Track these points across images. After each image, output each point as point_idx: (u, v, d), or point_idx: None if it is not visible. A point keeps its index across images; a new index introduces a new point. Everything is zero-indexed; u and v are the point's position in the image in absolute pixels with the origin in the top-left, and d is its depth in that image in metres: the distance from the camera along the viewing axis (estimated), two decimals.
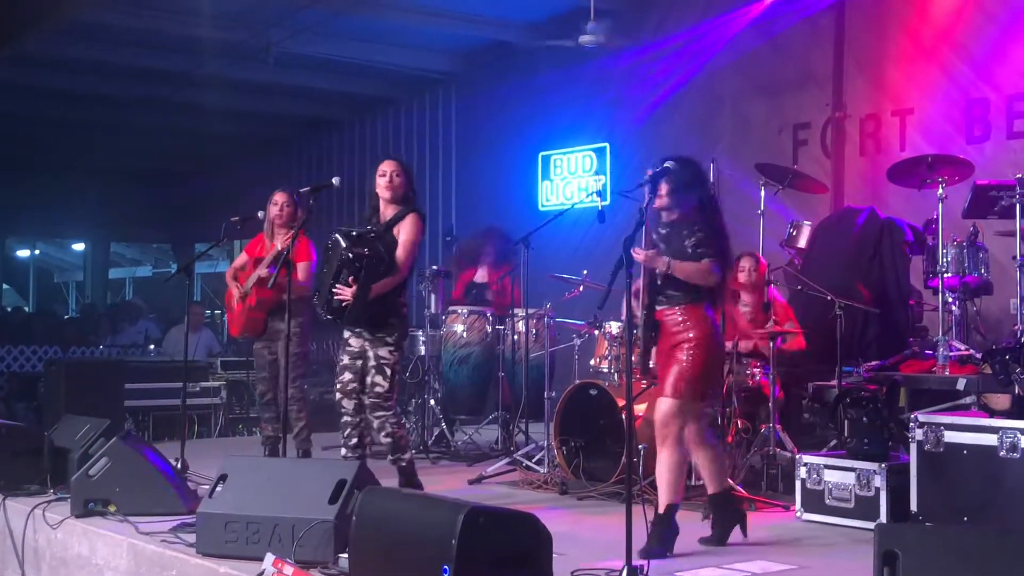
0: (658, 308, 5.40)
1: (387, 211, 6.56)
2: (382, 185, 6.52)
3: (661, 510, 5.37)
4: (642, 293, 5.39)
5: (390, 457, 6.45)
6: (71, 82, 13.79)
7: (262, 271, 7.61)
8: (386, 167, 6.56)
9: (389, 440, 6.41)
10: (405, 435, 6.55)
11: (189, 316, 8.99)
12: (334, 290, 6.27)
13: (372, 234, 6.42)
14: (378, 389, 6.36)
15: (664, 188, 5.40)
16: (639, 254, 5.25)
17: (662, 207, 5.45)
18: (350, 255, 6.23)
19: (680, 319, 5.37)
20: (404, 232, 6.42)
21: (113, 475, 5.96)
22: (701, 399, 5.47)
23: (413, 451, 6.64)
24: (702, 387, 5.42)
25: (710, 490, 5.59)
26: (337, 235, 6.37)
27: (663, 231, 5.48)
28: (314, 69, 13.20)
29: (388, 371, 6.36)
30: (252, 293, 7.69)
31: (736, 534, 5.58)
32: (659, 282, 5.36)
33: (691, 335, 5.34)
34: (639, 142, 11.26)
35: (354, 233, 6.40)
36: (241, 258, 8.03)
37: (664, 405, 5.38)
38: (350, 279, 6.22)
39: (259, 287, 7.64)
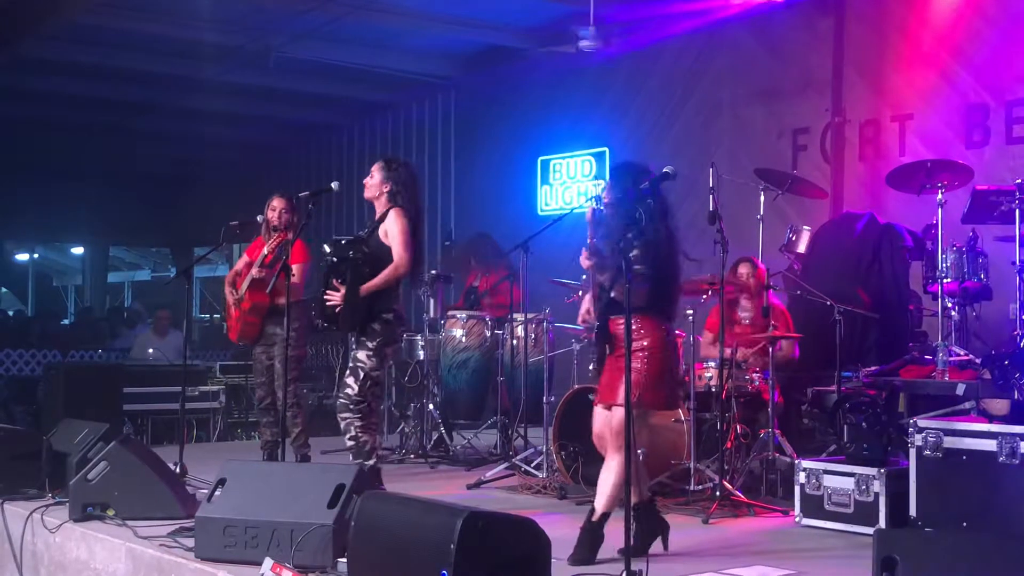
0: (611, 317, 5.32)
1: (377, 213, 6.57)
2: (365, 187, 6.56)
3: (595, 517, 5.29)
4: (591, 302, 5.34)
5: (353, 462, 6.28)
6: (70, 86, 13.78)
7: (255, 272, 7.61)
8: (371, 170, 6.59)
9: (352, 444, 6.31)
10: (371, 441, 6.37)
11: (188, 320, 8.96)
12: (325, 296, 6.28)
13: (359, 238, 6.42)
14: (347, 391, 6.29)
15: (606, 195, 5.42)
16: (586, 260, 5.31)
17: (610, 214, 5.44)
18: (334, 259, 6.27)
19: (633, 327, 5.17)
20: (392, 232, 6.36)
21: (112, 479, 5.96)
22: (655, 405, 5.42)
23: (377, 460, 6.46)
24: (656, 395, 5.34)
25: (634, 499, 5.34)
26: (324, 244, 6.41)
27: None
28: (313, 74, 13.19)
29: (361, 375, 6.28)
30: (246, 298, 7.69)
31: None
32: (611, 292, 5.28)
33: (644, 343, 5.26)
34: (638, 147, 11.26)
35: (342, 241, 6.42)
36: (240, 262, 8.03)
37: (618, 414, 5.20)
38: (335, 282, 6.23)
39: (253, 291, 7.64)
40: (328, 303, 6.27)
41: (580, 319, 5.63)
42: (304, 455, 7.76)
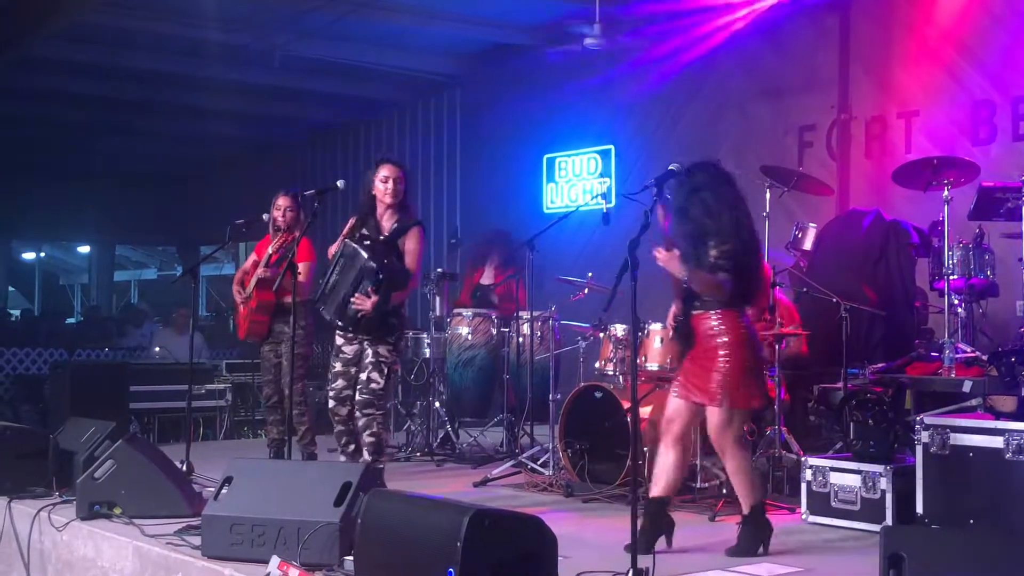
0: (693, 313, 5.41)
1: (384, 216, 6.53)
2: (384, 191, 6.48)
3: (746, 511, 5.44)
4: (678, 302, 5.42)
5: (368, 458, 6.33)
6: (76, 85, 13.80)
7: (261, 272, 7.63)
8: (389, 172, 6.51)
9: (372, 440, 6.34)
10: (388, 439, 6.48)
11: (194, 318, 8.97)
12: (353, 300, 6.24)
13: (381, 243, 6.40)
14: (373, 386, 6.32)
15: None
16: (660, 254, 5.27)
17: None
18: (373, 265, 6.21)
19: (714, 323, 5.36)
20: (410, 244, 6.41)
21: (118, 477, 5.97)
22: (747, 404, 5.45)
23: (389, 458, 6.58)
24: (745, 392, 5.39)
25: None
26: (354, 245, 6.34)
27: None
28: (319, 72, 13.20)
29: (385, 369, 6.33)
30: (253, 296, 7.71)
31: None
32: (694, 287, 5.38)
33: (726, 339, 5.34)
34: (644, 144, 11.26)
35: (368, 243, 6.37)
36: (249, 260, 8.05)
37: (714, 417, 5.37)
38: (369, 289, 6.20)
39: (260, 290, 7.66)
40: (355, 306, 6.25)
41: (669, 321, 5.66)
42: (310, 453, 7.76)
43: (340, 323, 6.40)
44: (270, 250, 7.65)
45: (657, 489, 5.45)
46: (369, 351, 6.36)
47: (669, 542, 5.43)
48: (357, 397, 6.37)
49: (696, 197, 5.36)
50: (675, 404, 5.48)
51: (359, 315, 6.25)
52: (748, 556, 5.32)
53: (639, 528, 5.15)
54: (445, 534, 3.93)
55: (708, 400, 5.35)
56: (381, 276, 6.19)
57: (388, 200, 6.48)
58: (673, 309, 5.59)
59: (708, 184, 5.43)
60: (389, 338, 6.35)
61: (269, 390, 7.91)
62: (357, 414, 6.37)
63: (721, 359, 5.31)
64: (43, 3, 10.90)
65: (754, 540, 5.40)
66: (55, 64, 12.78)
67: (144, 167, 18.74)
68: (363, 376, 6.36)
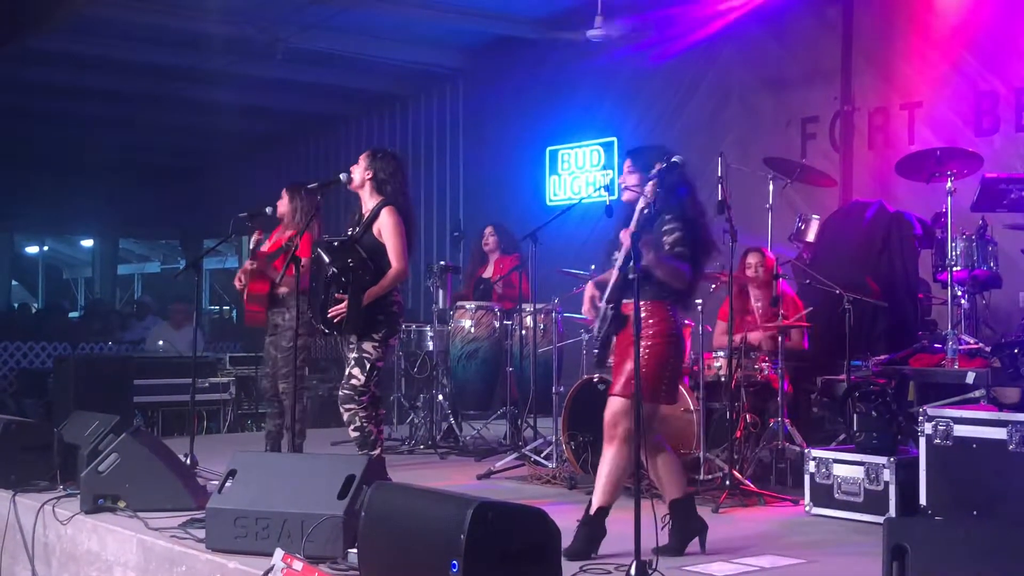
0: (624, 301, 5.14)
1: (364, 206, 6.58)
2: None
3: (592, 511, 5.15)
4: (611, 285, 5.17)
5: (358, 452, 6.33)
6: (78, 78, 13.80)
7: (248, 264, 7.64)
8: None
9: (357, 434, 6.38)
10: (375, 431, 6.45)
11: (198, 313, 8.98)
12: (329, 310, 6.28)
13: (352, 240, 6.42)
14: (353, 381, 6.36)
15: (636, 177, 5.25)
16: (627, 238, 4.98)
17: (631, 198, 5.25)
18: (334, 270, 6.26)
19: (642, 314, 5.01)
20: (386, 233, 6.40)
21: (123, 471, 5.98)
22: (655, 399, 5.17)
23: (381, 450, 6.54)
24: (657, 386, 5.14)
25: (669, 496, 5.28)
26: (320, 250, 6.41)
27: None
28: (321, 65, 13.20)
29: (367, 365, 6.36)
30: (247, 286, 7.72)
31: (694, 545, 5.26)
32: (631, 275, 4.99)
33: (651, 332, 5.11)
34: (647, 136, 11.23)
35: (335, 244, 6.42)
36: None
37: (615, 404, 5.12)
38: (337, 294, 6.25)
39: (253, 280, 7.66)
40: (332, 314, 6.29)
41: (588, 308, 5.40)
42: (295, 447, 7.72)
43: (325, 328, 6.46)
44: (264, 247, 7.65)
45: (670, 493, 5.25)
46: (356, 346, 6.40)
47: (702, 545, 5.26)
48: (339, 392, 6.42)
49: (676, 185, 5.18)
50: (618, 402, 5.18)
51: (336, 319, 6.30)
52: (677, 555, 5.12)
53: (669, 530, 5.16)
54: (449, 526, 3.93)
55: (619, 390, 5.11)
56: (344, 279, 6.25)
57: (350, 186, 6.56)
58: (591, 292, 5.36)
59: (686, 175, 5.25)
60: (375, 335, 6.37)
61: (266, 383, 7.92)
62: (339, 407, 6.43)
63: (641, 350, 4.89)
64: None
65: (592, 540, 5.13)
66: (58, 57, 12.77)
67: (147, 160, 18.74)
68: (347, 371, 6.43)
